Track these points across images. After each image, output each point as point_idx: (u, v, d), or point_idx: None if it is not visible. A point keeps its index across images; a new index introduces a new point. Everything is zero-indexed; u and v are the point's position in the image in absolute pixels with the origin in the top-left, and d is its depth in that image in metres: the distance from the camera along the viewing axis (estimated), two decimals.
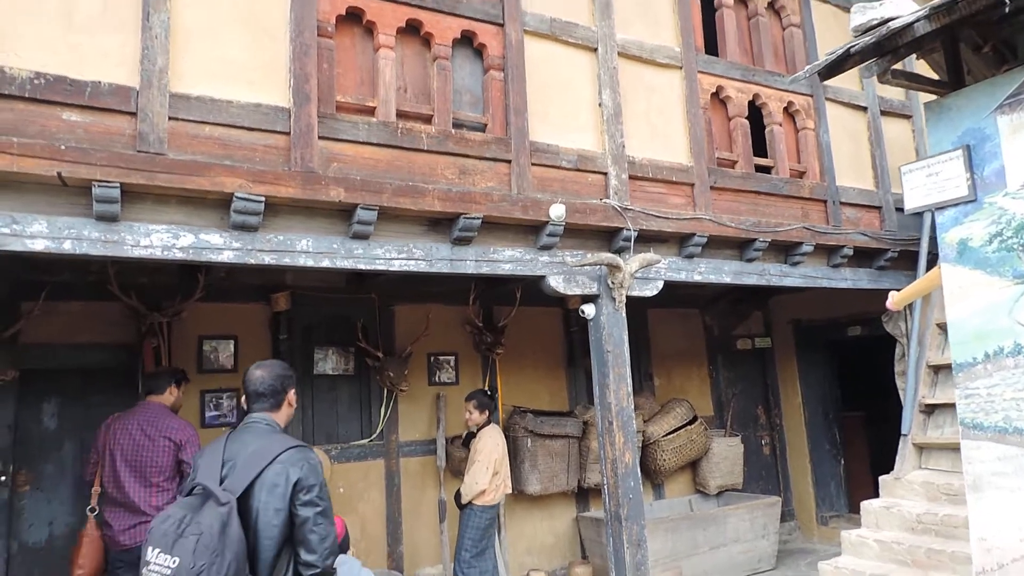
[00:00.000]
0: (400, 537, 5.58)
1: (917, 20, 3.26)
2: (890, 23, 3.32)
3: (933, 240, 5.26)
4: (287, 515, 2.27)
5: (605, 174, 4.36)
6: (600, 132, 4.42)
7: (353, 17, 3.77)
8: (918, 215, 5.53)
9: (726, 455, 6.89)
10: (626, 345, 4.34)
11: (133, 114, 3.08)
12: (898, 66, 3.77)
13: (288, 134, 3.41)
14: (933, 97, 3.63)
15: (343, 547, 2.62)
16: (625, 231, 4.31)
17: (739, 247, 4.97)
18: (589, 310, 4.31)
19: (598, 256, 4.12)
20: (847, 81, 5.53)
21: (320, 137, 3.48)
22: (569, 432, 5.97)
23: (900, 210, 5.62)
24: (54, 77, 2.95)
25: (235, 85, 3.34)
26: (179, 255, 3.19)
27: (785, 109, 5.34)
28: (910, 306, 5.34)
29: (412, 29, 3.95)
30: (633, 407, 4.32)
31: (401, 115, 3.82)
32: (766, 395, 7.87)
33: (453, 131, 3.90)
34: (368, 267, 3.65)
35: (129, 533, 3.67)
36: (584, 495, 6.39)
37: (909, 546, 4.19)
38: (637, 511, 4.17)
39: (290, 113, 3.42)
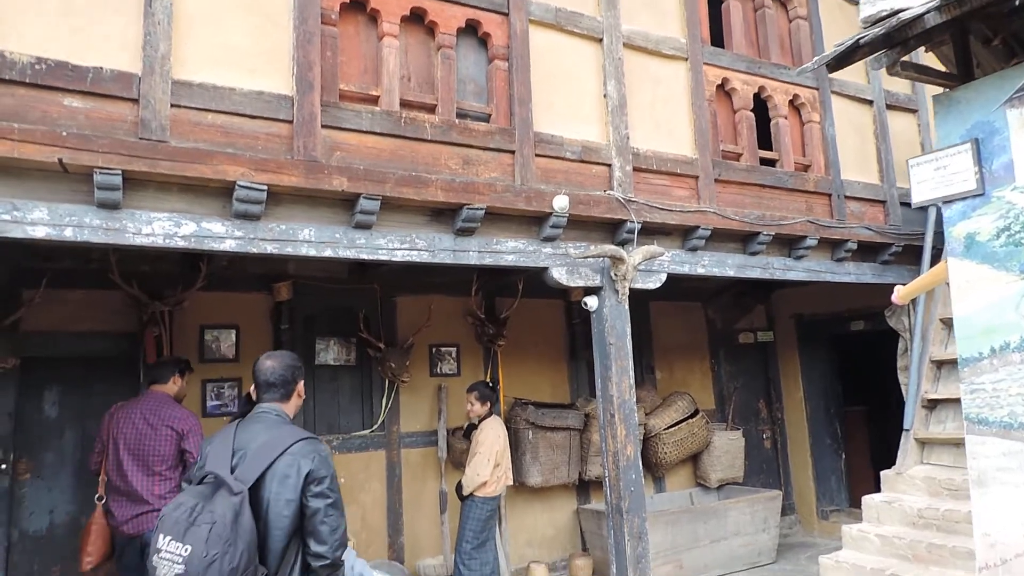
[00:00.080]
0: (401, 528, 5.59)
1: (927, 12, 3.23)
2: (900, 14, 3.29)
3: (938, 235, 5.26)
4: (298, 506, 2.26)
5: (609, 166, 4.34)
6: (604, 123, 4.40)
7: (357, 5, 3.74)
8: (923, 210, 5.51)
9: (727, 449, 6.90)
10: (628, 338, 4.33)
11: (135, 100, 3.06)
12: (906, 58, 3.74)
13: (291, 122, 3.39)
14: (941, 91, 3.60)
15: None
16: (629, 223, 4.29)
17: (743, 240, 4.95)
18: (592, 302, 4.30)
19: (602, 248, 4.11)
20: (853, 74, 5.50)
21: (323, 126, 3.46)
22: (570, 424, 5.98)
23: (905, 204, 5.60)
24: (55, 62, 2.92)
25: (238, 72, 3.32)
26: (181, 243, 3.17)
27: (791, 102, 5.31)
28: (913, 301, 5.33)
29: (416, 18, 3.91)
30: (635, 400, 4.31)
31: (405, 104, 3.79)
32: (768, 389, 7.86)
33: (457, 121, 3.88)
34: (371, 257, 3.64)
35: (133, 522, 3.68)
36: (585, 487, 6.39)
37: (910, 541, 4.19)
38: (638, 504, 4.17)
39: (293, 101, 3.40)
